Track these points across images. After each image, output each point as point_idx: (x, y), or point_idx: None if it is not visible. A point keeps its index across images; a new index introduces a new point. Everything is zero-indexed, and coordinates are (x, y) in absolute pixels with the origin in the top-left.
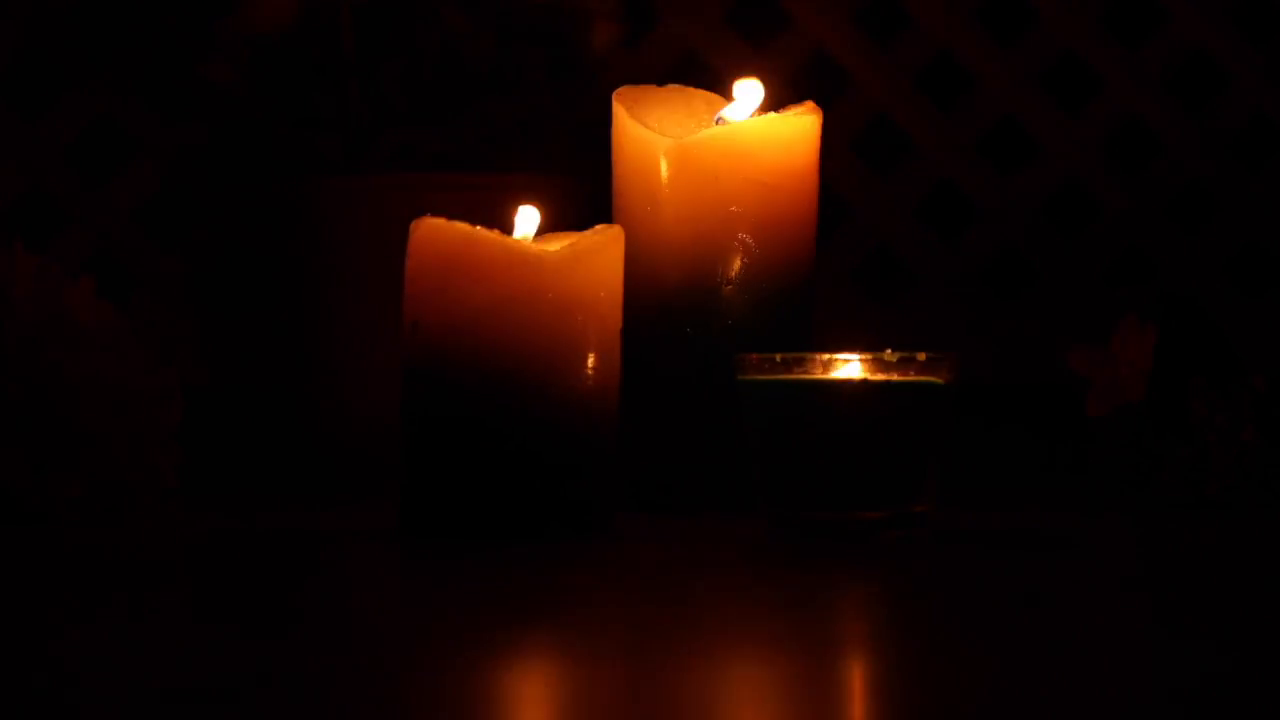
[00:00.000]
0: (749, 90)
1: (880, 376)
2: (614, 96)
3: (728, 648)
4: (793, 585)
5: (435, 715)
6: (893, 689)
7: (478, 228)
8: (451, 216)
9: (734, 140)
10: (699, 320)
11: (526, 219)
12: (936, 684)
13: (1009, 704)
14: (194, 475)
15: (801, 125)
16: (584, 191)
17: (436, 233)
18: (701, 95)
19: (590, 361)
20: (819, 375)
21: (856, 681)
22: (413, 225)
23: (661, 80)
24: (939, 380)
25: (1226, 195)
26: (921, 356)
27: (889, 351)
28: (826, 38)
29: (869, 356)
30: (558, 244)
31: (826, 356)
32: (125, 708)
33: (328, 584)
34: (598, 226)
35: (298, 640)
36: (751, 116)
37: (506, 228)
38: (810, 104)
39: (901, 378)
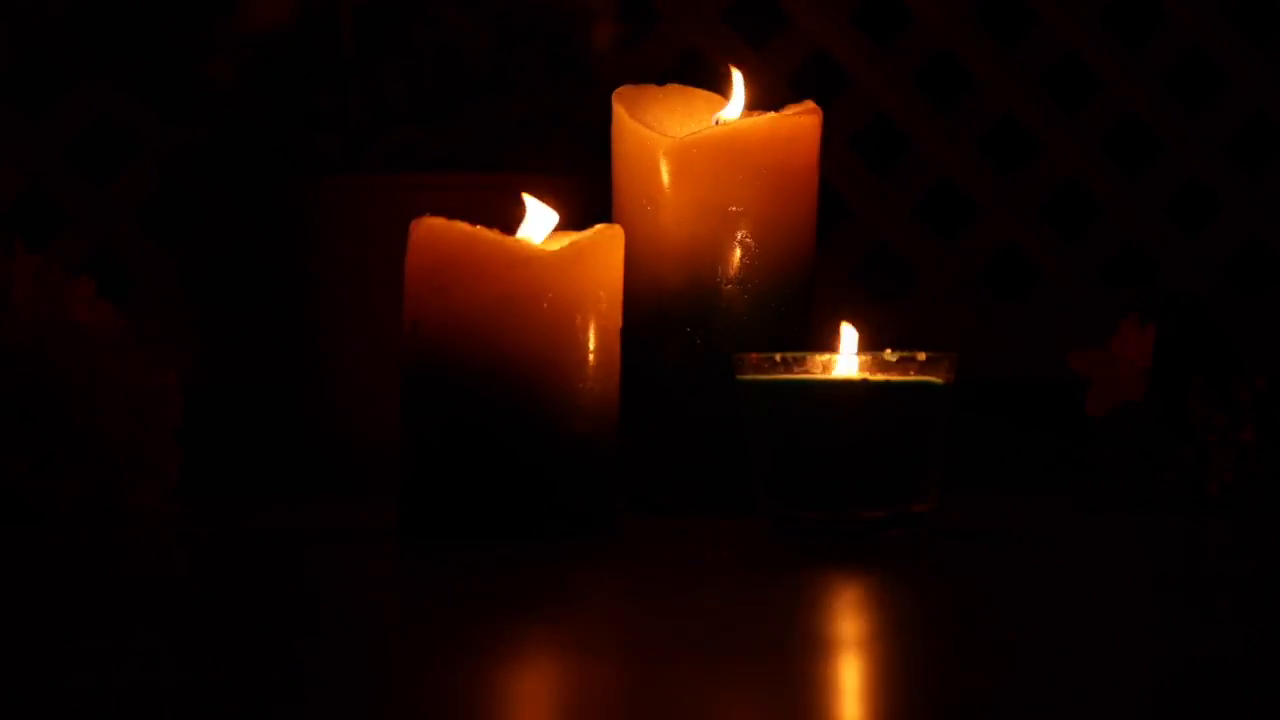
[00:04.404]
0: (738, 85)
1: (880, 376)
2: (614, 96)
3: (727, 647)
4: (793, 585)
5: (435, 715)
6: (892, 689)
7: (478, 228)
8: (451, 216)
9: (734, 140)
10: (699, 320)
11: (537, 217)
12: (936, 684)
13: (1008, 704)
14: (194, 475)
15: (801, 125)
16: (584, 191)
17: (436, 233)
18: (701, 95)
19: (590, 361)
20: (819, 375)
21: (855, 681)
22: (413, 225)
23: (661, 80)
24: (939, 380)
25: (1226, 195)
26: (921, 356)
27: (889, 351)
28: (826, 38)
29: (869, 356)
30: (558, 244)
31: (826, 356)
32: (125, 707)
33: (328, 584)
34: (598, 226)
35: (298, 641)
36: (744, 111)
37: (506, 227)
38: (810, 104)
39: (901, 378)
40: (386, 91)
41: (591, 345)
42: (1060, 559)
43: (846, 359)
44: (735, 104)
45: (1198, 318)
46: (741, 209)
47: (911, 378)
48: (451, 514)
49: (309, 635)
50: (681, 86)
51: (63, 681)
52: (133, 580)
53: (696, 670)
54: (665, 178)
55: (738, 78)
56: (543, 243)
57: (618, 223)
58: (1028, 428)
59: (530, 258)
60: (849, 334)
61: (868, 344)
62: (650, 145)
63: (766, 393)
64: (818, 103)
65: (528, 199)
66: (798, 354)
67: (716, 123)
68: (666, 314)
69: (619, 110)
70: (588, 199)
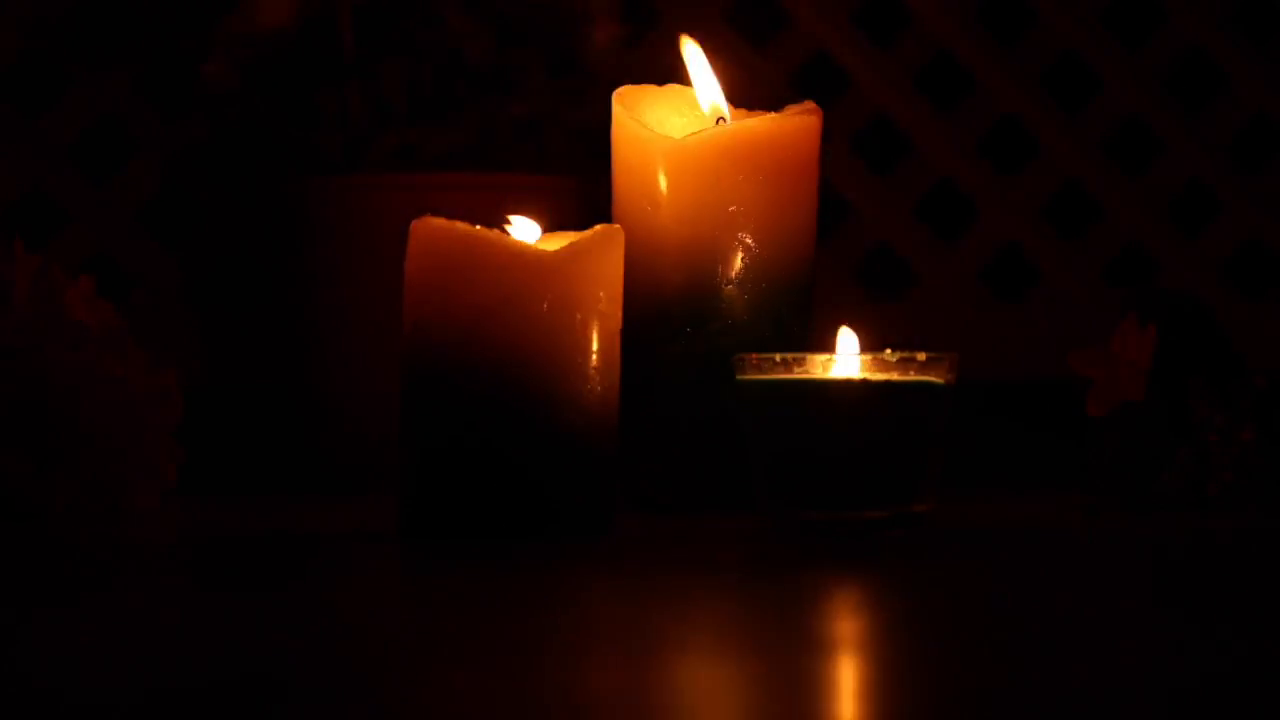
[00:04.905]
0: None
1: (880, 376)
2: (614, 96)
3: (727, 648)
4: (793, 585)
5: (435, 715)
6: (892, 689)
7: (478, 228)
8: (451, 216)
9: (734, 140)
10: (699, 320)
11: (521, 231)
12: (935, 684)
13: (1008, 704)
14: (194, 475)
15: (801, 125)
16: (584, 191)
17: (436, 233)
18: None
19: (590, 361)
20: (819, 375)
21: (856, 681)
22: (413, 225)
23: (662, 80)
24: (939, 380)
25: (1226, 195)
26: (921, 356)
27: (889, 351)
28: (826, 38)
29: (869, 356)
30: (558, 244)
31: (826, 356)
32: (125, 708)
33: (328, 584)
34: (598, 226)
35: (298, 641)
36: (742, 110)
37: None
38: (810, 104)
39: (901, 378)
40: (386, 91)
41: (591, 345)
42: (1060, 559)
43: (846, 359)
44: (706, 88)
45: (1198, 318)
46: (741, 209)
47: (912, 378)
48: (451, 514)
49: (309, 635)
50: (681, 86)
51: (61, 681)
52: (131, 580)
53: (696, 670)
54: (665, 178)
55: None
56: (543, 243)
57: (618, 223)
58: (1028, 428)
59: (530, 258)
60: (848, 337)
61: (868, 344)
62: (650, 145)
63: (766, 393)
64: (818, 103)
65: (513, 220)
66: (798, 354)
67: (717, 122)
68: (666, 314)
69: (619, 110)
70: (588, 199)
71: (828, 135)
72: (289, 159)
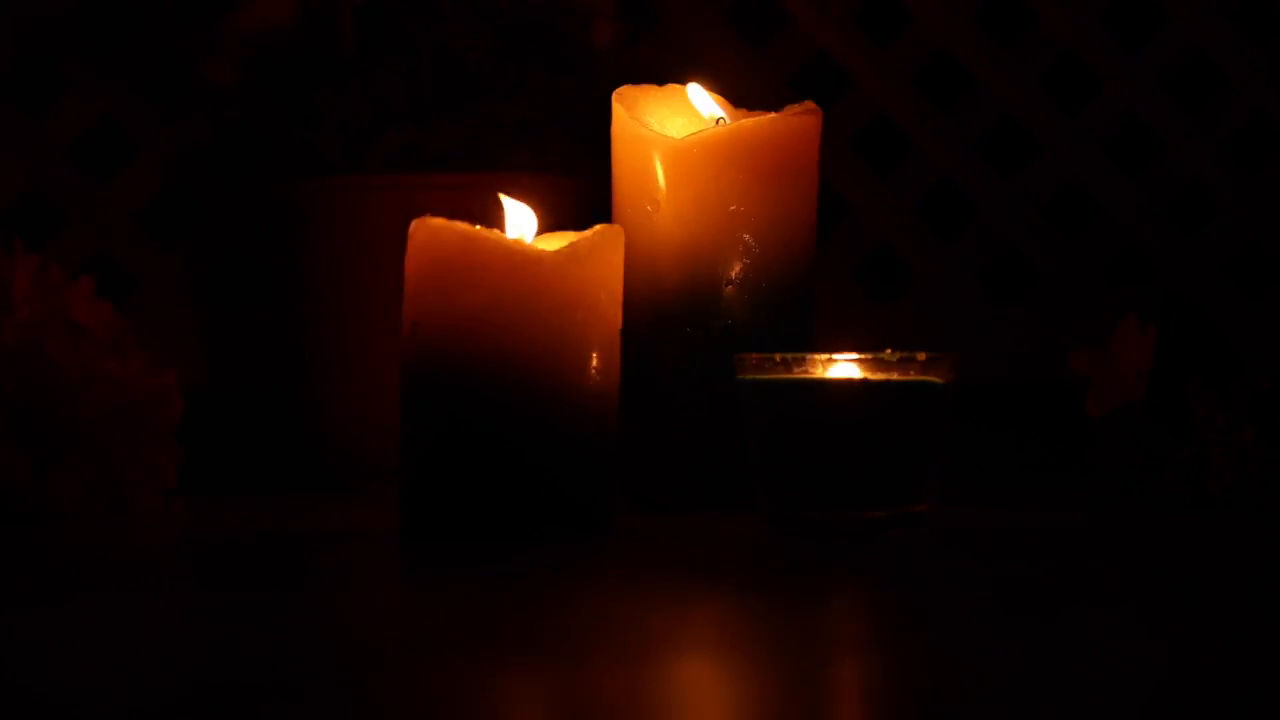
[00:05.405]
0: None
1: (880, 376)
2: (614, 96)
3: (727, 648)
4: (792, 585)
5: (434, 716)
6: (892, 690)
7: (478, 228)
8: (451, 216)
9: (734, 140)
10: (699, 320)
11: (516, 216)
12: (936, 685)
13: (1008, 704)
14: (194, 475)
15: (801, 125)
16: (584, 191)
17: (436, 233)
18: None
19: (590, 361)
20: (819, 375)
21: (856, 682)
22: (413, 225)
23: (662, 80)
24: (939, 380)
25: (1226, 195)
26: (921, 356)
27: (889, 351)
28: (826, 38)
29: (869, 356)
30: (558, 244)
31: (826, 356)
32: (125, 708)
33: (328, 584)
34: (598, 226)
35: (298, 642)
36: (743, 111)
37: (505, 228)
38: (810, 104)
39: (901, 378)
40: (386, 91)
41: (591, 345)
42: (1060, 559)
43: (844, 365)
44: (704, 104)
45: (1198, 318)
46: (741, 209)
47: (912, 378)
48: (451, 514)
49: (309, 635)
50: (681, 86)
51: (61, 682)
52: (131, 580)
53: (696, 670)
54: (665, 178)
55: (695, 90)
56: (543, 243)
57: (618, 223)
58: (1027, 428)
59: (530, 258)
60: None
61: (868, 344)
62: (650, 145)
63: (766, 393)
64: (818, 103)
65: (504, 199)
66: (798, 354)
67: (717, 123)
68: (666, 314)
69: (619, 110)
70: (587, 199)
71: (828, 135)
72: (289, 159)
